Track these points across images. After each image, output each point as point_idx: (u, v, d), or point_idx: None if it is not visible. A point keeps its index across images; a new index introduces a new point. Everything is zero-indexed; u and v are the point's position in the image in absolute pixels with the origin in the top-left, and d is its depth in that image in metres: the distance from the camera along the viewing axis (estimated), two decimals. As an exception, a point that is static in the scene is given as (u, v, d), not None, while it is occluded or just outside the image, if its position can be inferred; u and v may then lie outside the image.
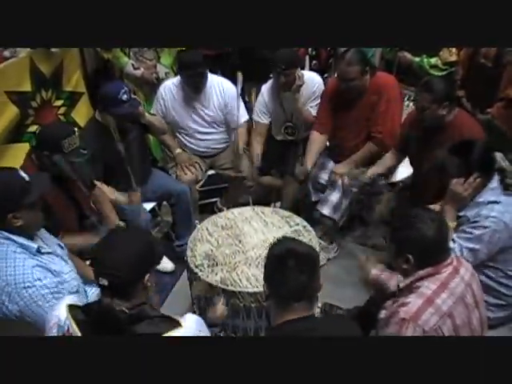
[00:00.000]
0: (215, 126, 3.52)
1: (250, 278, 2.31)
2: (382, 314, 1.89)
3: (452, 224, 2.23)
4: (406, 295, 1.83)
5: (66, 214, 2.49)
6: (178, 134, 3.56)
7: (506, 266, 2.31)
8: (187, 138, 3.55)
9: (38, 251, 1.95)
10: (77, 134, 2.47)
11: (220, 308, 2.13)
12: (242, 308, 2.26)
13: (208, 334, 1.74)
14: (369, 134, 3.11)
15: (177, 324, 1.57)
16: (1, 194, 1.88)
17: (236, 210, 2.86)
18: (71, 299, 1.65)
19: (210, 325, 1.88)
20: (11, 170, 2.03)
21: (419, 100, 2.66)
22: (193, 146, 3.57)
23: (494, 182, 2.25)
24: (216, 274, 2.34)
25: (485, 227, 2.17)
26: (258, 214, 2.82)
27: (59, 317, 1.58)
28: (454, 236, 2.21)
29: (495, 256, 2.25)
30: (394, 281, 2.24)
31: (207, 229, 2.67)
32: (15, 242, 1.91)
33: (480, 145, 2.28)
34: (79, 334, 1.52)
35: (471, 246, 2.17)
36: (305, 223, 2.72)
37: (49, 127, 2.69)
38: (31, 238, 1.97)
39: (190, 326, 1.60)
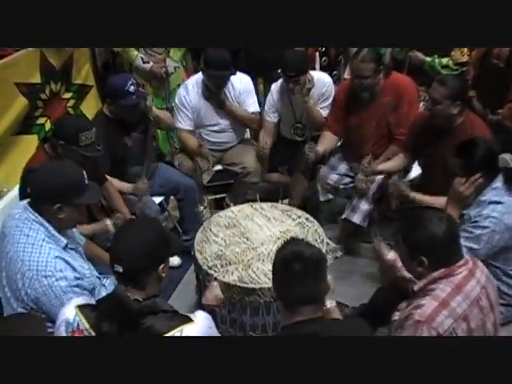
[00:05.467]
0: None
1: (268, 274, 2.29)
2: (396, 316, 1.88)
3: None
4: (420, 298, 1.81)
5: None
6: (198, 132, 3.55)
7: (508, 265, 2.31)
8: (207, 132, 3.54)
9: (66, 246, 1.99)
10: (93, 129, 2.49)
11: (215, 289, 2.08)
12: (262, 304, 2.26)
13: (216, 333, 1.74)
14: (390, 137, 3.10)
15: (189, 320, 1.57)
16: (61, 184, 1.93)
17: (235, 208, 2.85)
18: (80, 300, 1.65)
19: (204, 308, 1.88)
20: (77, 168, 2.08)
21: (433, 92, 2.65)
22: (210, 139, 3.56)
23: (497, 182, 2.25)
24: (232, 274, 2.33)
25: (484, 227, 2.17)
26: (257, 210, 2.81)
27: (67, 315, 1.58)
28: None
29: (496, 255, 2.25)
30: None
31: (211, 230, 2.65)
32: (47, 230, 1.94)
33: (483, 145, 2.28)
34: (90, 330, 1.53)
35: (470, 245, 2.17)
36: (306, 215, 2.72)
37: (69, 118, 2.74)
38: (60, 232, 2.00)
39: (202, 322, 1.60)
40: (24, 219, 1.94)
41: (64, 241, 1.98)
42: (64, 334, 1.57)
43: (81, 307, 1.58)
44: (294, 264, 1.55)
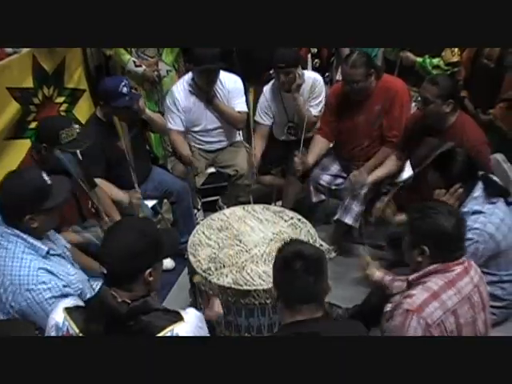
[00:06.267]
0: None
1: (262, 275, 2.31)
2: (388, 307, 1.89)
3: None
4: (412, 288, 1.84)
5: (67, 210, 2.48)
6: (189, 133, 3.56)
7: (500, 270, 2.32)
8: (199, 133, 3.55)
9: (48, 253, 1.95)
10: (74, 125, 2.49)
11: (217, 304, 2.09)
12: (257, 306, 2.27)
13: (206, 332, 1.73)
14: (383, 139, 3.12)
15: (179, 318, 1.57)
16: (21, 195, 1.87)
17: (227, 211, 2.86)
18: (68, 302, 1.64)
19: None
20: (35, 171, 2.02)
21: (424, 92, 2.67)
22: (202, 138, 3.57)
23: (477, 191, 2.25)
24: (226, 276, 2.33)
25: (468, 239, 2.16)
26: (249, 212, 2.82)
27: (57, 320, 1.58)
28: None
29: (487, 263, 2.27)
30: (397, 283, 2.25)
31: (204, 233, 2.65)
32: (25, 240, 1.90)
33: (459, 156, 2.28)
34: (79, 334, 1.53)
35: None
36: (299, 216, 2.74)
37: (46, 120, 2.71)
38: (40, 238, 1.97)
39: (192, 321, 1.60)
40: (1, 233, 1.91)
41: (45, 248, 1.94)
42: None
43: (69, 311, 1.57)
44: (295, 262, 1.57)
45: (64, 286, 1.92)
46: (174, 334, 1.52)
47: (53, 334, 1.57)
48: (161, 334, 1.51)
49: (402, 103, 3.05)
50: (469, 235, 2.17)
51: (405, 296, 1.83)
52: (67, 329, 1.55)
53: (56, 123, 2.51)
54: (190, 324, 1.58)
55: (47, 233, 2.03)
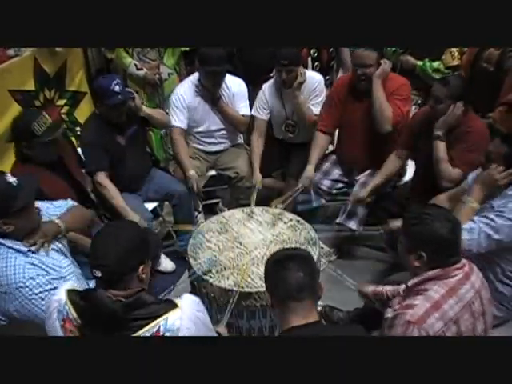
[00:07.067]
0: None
1: (263, 277, 2.29)
2: (388, 313, 1.89)
3: (475, 205, 2.27)
4: (413, 296, 1.83)
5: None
6: (192, 134, 3.57)
7: (508, 264, 2.31)
8: (201, 133, 3.56)
9: (29, 251, 1.95)
10: (43, 113, 2.52)
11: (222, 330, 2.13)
12: (259, 308, 2.28)
13: (206, 316, 1.73)
14: (385, 142, 3.10)
15: (173, 306, 1.59)
16: None
17: (226, 213, 2.86)
18: (71, 285, 1.67)
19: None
20: None
21: (435, 91, 2.67)
22: (204, 139, 3.58)
23: None
24: (227, 279, 2.33)
25: (508, 219, 2.17)
26: (249, 214, 2.82)
27: (59, 301, 1.60)
28: (476, 217, 2.22)
29: (503, 253, 2.26)
30: (389, 287, 2.25)
31: (203, 235, 2.65)
32: (5, 246, 1.91)
33: None
34: (78, 319, 1.56)
35: (490, 232, 2.18)
36: (298, 218, 2.75)
37: (15, 119, 2.69)
38: (20, 239, 1.96)
39: (188, 307, 1.61)
40: None
41: (24, 249, 1.94)
42: (57, 322, 1.59)
43: (70, 295, 1.60)
44: (285, 262, 1.64)
45: (53, 279, 1.93)
46: (168, 322, 1.54)
47: (55, 316, 1.59)
48: (154, 324, 1.53)
49: (406, 99, 3.07)
50: (510, 215, 2.16)
51: (406, 305, 1.81)
52: (67, 313, 1.57)
53: (25, 118, 2.53)
54: (185, 310, 1.59)
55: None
